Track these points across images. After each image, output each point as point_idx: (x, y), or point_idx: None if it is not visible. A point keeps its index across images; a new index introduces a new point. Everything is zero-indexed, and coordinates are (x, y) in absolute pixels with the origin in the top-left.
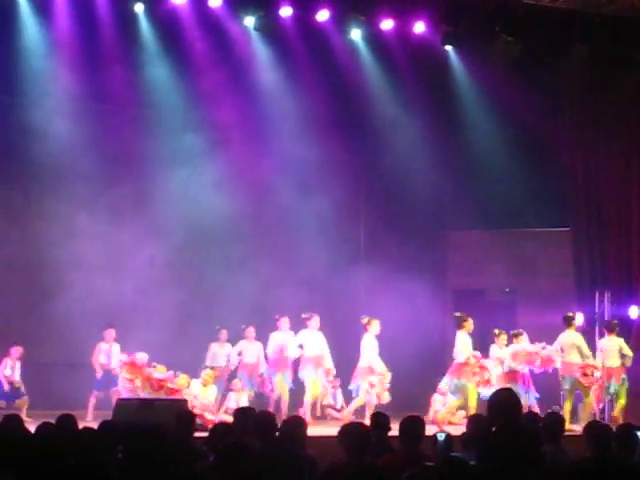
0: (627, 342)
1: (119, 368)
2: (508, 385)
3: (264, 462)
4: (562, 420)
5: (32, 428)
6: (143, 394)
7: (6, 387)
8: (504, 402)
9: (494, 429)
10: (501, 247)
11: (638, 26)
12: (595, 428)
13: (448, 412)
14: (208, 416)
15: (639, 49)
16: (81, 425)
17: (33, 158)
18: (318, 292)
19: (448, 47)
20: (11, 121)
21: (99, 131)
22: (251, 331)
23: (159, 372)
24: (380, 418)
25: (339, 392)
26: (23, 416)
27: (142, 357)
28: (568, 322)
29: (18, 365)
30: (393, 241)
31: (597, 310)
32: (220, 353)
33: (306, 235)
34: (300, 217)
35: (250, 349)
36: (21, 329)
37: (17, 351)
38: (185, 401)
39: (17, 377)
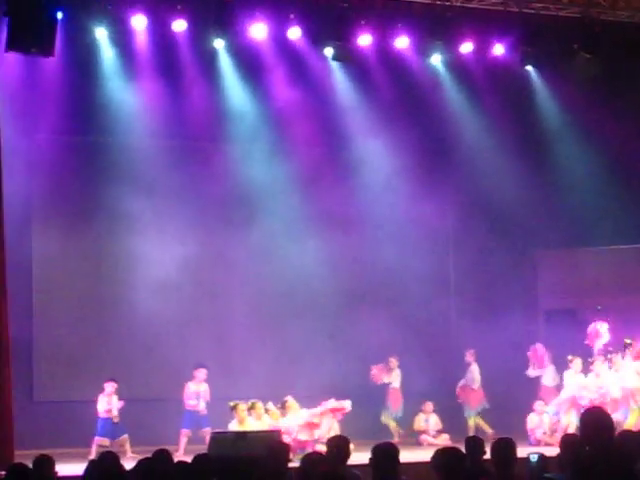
0: None
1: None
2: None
3: None
4: None
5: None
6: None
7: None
8: (597, 421)
9: (587, 449)
10: (592, 265)
11: None
12: None
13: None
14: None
15: None
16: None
17: (113, 194)
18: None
19: (528, 67)
20: (93, 159)
21: (183, 166)
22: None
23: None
24: (474, 441)
25: (432, 417)
26: (128, 452)
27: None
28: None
29: (115, 400)
30: (483, 262)
31: None
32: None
33: (397, 256)
34: (386, 242)
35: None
36: (107, 363)
37: (111, 386)
38: (278, 432)
39: (115, 412)
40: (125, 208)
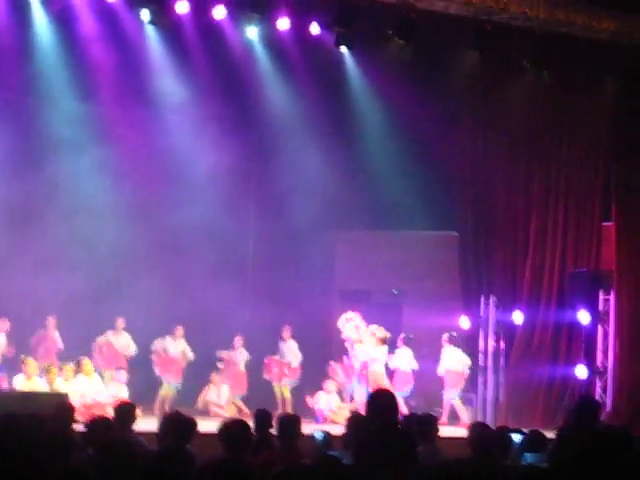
0: (511, 346)
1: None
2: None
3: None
4: (436, 421)
5: None
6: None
7: None
8: (382, 402)
9: (372, 428)
10: (389, 248)
11: (528, 34)
12: (476, 429)
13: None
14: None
15: (528, 57)
16: None
17: None
18: (203, 297)
19: (342, 49)
20: None
21: None
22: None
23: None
24: (262, 415)
25: (224, 388)
26: None
27: None
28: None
29: None
30: (281, 240)
31: (482, 314)
32: None
33: (191, 236)
34: (184, 215)
35: None
36: None
37: None
38: (66, 394)
39: None
40: None
